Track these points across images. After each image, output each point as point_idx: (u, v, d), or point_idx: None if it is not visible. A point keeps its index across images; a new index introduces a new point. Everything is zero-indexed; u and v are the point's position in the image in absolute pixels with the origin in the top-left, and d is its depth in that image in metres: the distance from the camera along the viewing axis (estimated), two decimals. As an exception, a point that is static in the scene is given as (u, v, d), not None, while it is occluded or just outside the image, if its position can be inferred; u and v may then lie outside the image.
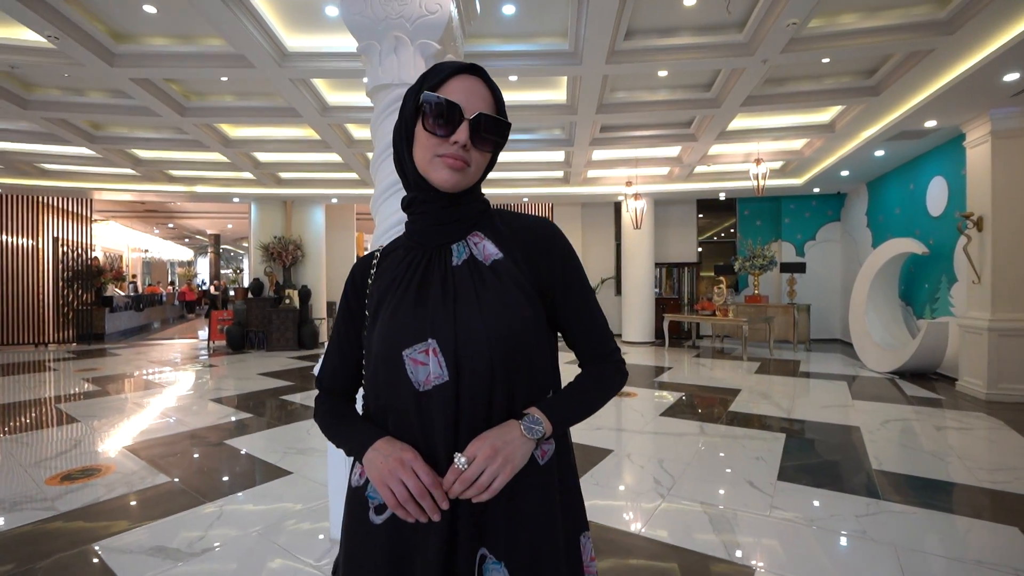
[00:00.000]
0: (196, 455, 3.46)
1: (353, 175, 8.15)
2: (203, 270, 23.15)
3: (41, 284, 10.00)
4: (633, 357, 7.80)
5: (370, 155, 7.15)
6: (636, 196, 8.36)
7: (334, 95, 5.18)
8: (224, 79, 4.55)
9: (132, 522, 2.46)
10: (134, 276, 16.76)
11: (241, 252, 23.76)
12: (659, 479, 2.98)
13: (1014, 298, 4.90)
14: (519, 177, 8.69)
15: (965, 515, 2.54)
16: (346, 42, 4.03)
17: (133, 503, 2.68)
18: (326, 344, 1.02)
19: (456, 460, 0.68)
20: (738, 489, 2.83)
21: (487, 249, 0.81)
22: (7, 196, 9.45)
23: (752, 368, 6.79)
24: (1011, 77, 4.13)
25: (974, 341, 5.13)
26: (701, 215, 10.60)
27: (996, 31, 3.64)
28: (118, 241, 15.23)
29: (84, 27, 3.76)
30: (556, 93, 5.17)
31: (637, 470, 3.13)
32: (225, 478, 3.04)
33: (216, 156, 7.08)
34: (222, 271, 19.70)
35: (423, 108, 0.74)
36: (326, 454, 3.37)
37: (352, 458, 0.77)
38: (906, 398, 5.04)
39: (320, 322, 9.61)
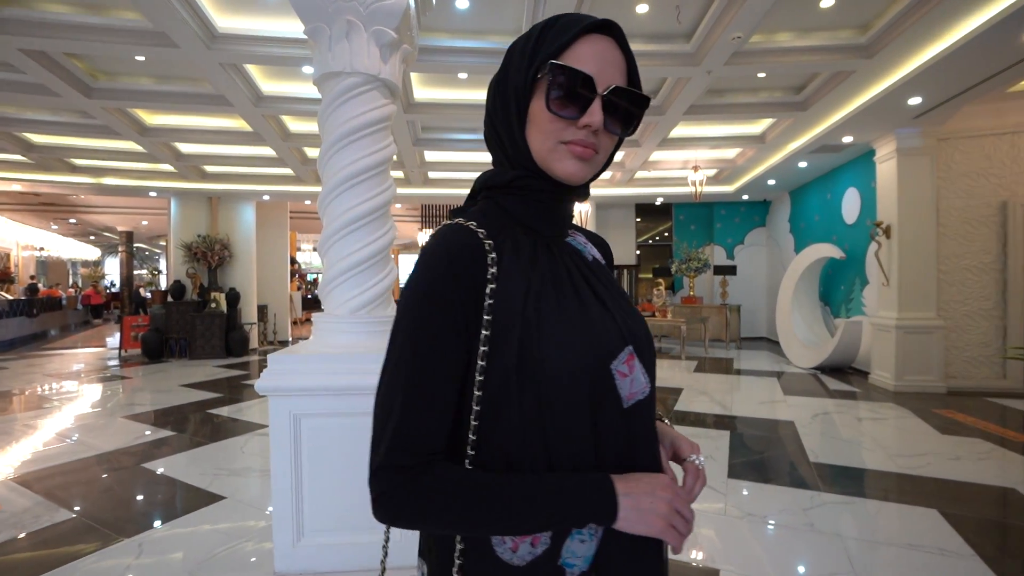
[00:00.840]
0: (105, 483, 3.05)
1: (288, 171, 7.66)
2: (113, 271, 20.99)
3: (-95, 287, 8.58)
4: (579, 358, 7.90)
5: (308, 150, 6.76)
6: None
7: (269, 84, 4.81)
8: (141, 59, 4.09)
9: (25, 572, 2.10)
10: (32, 277, 14.88)
11: (158, 251, 21.79)
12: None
13: (917, 299, 5.42)
14: (464, 177, 8.56)
15: (894, 501, 2.75)
16: (284, 26, 3.74)
17: (24, 549, 2.30)
18: (391, 380, 0.57)
19: (696, 460, 0.64)
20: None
21: (593, 251, 0.72)
22: None
23: (691, 367, 7.08)
24: (915, 101, 4.56)
25: (883, 338, 5.63)
26: (639, 219, 10.97)
27: (905, 58, 4.00)
28: (5, 237, 13.44)
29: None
30: (506, 93, 5.11)
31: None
32: (143, 509, 2.70)
33: (130, 145, 6.38)
34: (136, 272, 17.92)
35: (547, 81, 0.58)
36: (265, 474, 3.10)
37: (518, 534, 0.55)
38: (828, 392, 5.44)
39: (251, 327, 8.96)
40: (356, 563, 1.97)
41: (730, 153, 7.23)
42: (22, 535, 2.41)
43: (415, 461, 0.54)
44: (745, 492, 2.85)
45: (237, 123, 5.76)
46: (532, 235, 0.64)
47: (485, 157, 7.64)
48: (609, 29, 0.60)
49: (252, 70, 4.49)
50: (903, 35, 3.66)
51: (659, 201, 10.01)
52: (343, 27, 2.06)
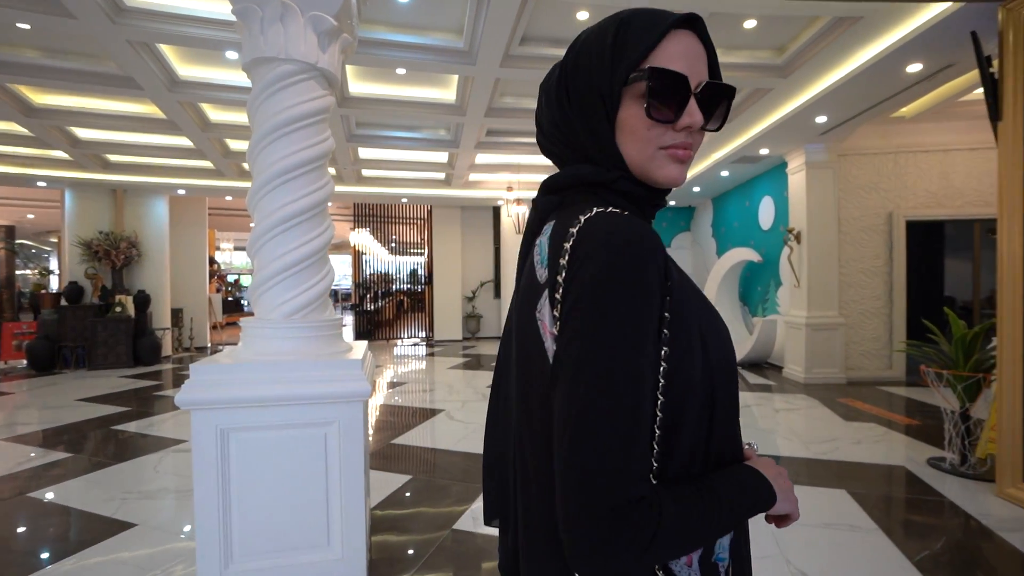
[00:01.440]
0: (-15, 515, 2.64)
1: (207, 164, 7.08)
2: (-13, 271, 18.32)
3: None
4: (518, 359, 7.96)
5: (231, 142, 6.28)
6: (518, 201, 8.56)
7: (187, 67, 4.41)
8: (24, 26, 3.59)
9: None
10: None
11: (47, 249, 19.34)
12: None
13: (824, 299, 5.98)
14: (399, 176, 8.36)
15: (809, 484, 2.99)
16: (205, 5, 3.44)
17: None
18: (609, 393, 0.47)
19: (753, 446, 0.65)
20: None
21: None
22: None
23: (625, 365, 7.35)
24: (821, 119, 5.03)
25: (795, 335, 6.16)
26: (576, 222, 11.28)
27: (815, 80, 4.40)
28: None
29: None
30: (446, 92, 5.04)
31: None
32: (29, 546, 2.36)
33: (11, 127, 5.61)
34: (19, 272, 15.77)
35: (643, 86, 0.54)
36: (184, 495, 2.82)
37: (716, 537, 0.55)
38: (748, 386, 5.86)
39: (163, 333, 8.18)
40: (292, 586, 1.83)
41: (660, 161, 7.58)
42: None
43: (643, 485, 0.47)
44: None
45: (148, 109, 5.23)
46: None
47: (423, 156, 7.52)
48: (692, 23, 0.57)
49: (167, 51, 4.10)
50: (813, 59, 4.02)
51: (594, 205, 10.32)
52: (277, 9, 1.92)
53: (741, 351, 7.08)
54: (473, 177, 8.42)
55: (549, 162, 6.94)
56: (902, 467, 3.30)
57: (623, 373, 0.47)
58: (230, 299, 14.49)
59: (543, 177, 6.13)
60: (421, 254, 12.13)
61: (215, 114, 5.46)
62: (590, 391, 0.47)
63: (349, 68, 4.42)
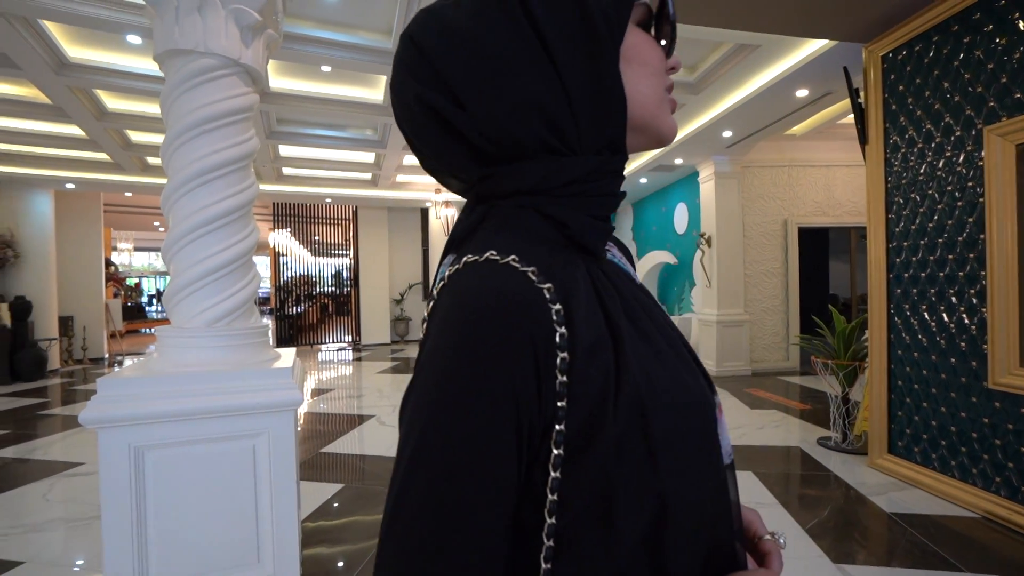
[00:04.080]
0: None
1: (103, 156, 6.38)
2: None
3: None
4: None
5: (132, 134, 5.73)
6: (447, 204, 8.56)
7: (79, 49, 3.97)
8: None
9: None
10: None
11: None
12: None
13: (732, 298, 6.55)
14: (323, 176, 8.04)
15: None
16: (102, -15, 3.13)
17: None
18: (419, 540, 0.33)
19: (778, 537, 0.49)
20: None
21: (627, 265, 0.54)
22: None
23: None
24: (727, 134, 5.52)
25: (707, 331, 6.69)
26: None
27: (721, 98, 4.83)
28: None
29: None
30: (373, 92, 4.94)
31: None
32: None
33: None
34: None
35: (647, 10, 0.46)
36: (79, 525, 2.55)
37: None
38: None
39: (47, 344, 7.25)
40: (218, 608, 1.74)
41: (586, 167, 7.91)
42: None
43: None
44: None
45: (28, 92, 4.64)
46: (581, 255, 0.44)
47: (343, 156, 7.30)
48: None
49: (51, 27, 3.67)
50: (721, 78, 4.41)
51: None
52: (195, 1, 1.82)
53: (661, 347, 7.57)
54: (401, 178, 8.30)
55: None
56: (797, 447, 3.71)
57: (449, 505, 0.34)
58: (130, 304, 13.12)
59: None
60: (346, 255, 11.71)
61: (114, 103, 4.96)
62: (400, 523, 0.35)
63: (271, 63, 4.20)
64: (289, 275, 11.24)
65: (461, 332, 0.36)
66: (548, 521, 0.37)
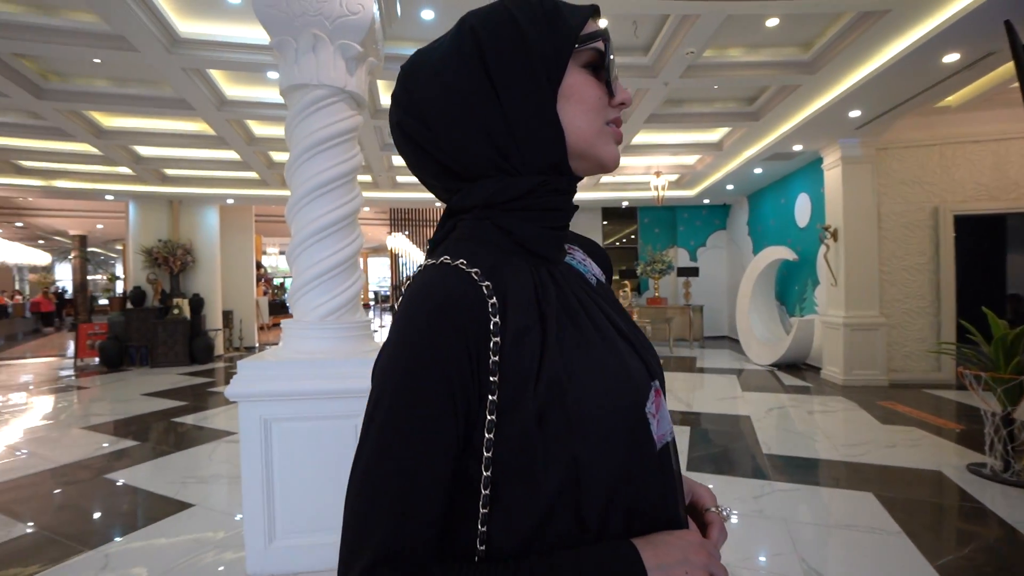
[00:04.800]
0: (64, 495, 2.99)
1: (253, 175, 7.54)
2: (65, 276, 19.99)
3: None
4: (549, 359, 8.08)
5: (273, 154, 6.68)
6: (549, 203, 8.68)
7: (233, 88, 4.76)
8: (97, 61, 4.00)
9: (-14, 583, 2.07)
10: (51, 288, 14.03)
11: (114, 256, 20.87)
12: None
13: (861, 298, 5.79)
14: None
15: (835, 487, 2.97)
16: (248, 32, 3.73)
17: (-15, 560, 2.26)
18: (371, 479, 0.44)
19: (723, 511, 0.58)
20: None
21: (593, 267, 0.62)
22: None
23: (656, 365, 7.32)
24: (855, 113, 4.89)
25: (832, 335, 5.98)
26: (605, 222, 11.24)
27: (845, 75, 4.30)
28: (-55, 243, 12.67)
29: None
30: (474, 101, 5.20)
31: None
32: (106, 519, 2.67)
33: (84, 147, 6.17)
34: (90, 277, 17.14)
35: (592, 53, 0.51)
36: (234, 480, 3.09)
37: None
38: (784, 387, 5.74)
39: (215, 334, 8.74)
40: (329, 563, 2.02)
41: (690, 159, 7.52)
42: (-22, 551, 2.35)
43: (416, 561, 0.43)
44: (701, 483, 3.02)
45: (199, 126, 5.66)
46: (532, 260, 0.52)
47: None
48: (599, 12, 0.55)
49: (215, 74, 4.45)
50: (841, 54, 3.94)
51: (624, 205, 10.28)
52: (309, 40, 2.12)
53: (777, 351, 6.93)
54: (503, 180, 8.59)
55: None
56: (937, 472, 3.20)
57: (392, 463, 0.43)
58: (276, 301, 15.25)
59: None
60: None
61: (259, 129, 5.84)
62: (356, 479, 0.45)
63: (381, 82, 4.65)
64: (406, 274, 12.21)
65: (409, 320, 0.46)
66: (484, 474, 0.45)
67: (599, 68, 0.52)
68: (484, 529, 0.45)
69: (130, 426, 4.53)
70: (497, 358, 0.45)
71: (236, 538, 2.38)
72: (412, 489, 0.43)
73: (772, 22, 3.70)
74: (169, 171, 7.44)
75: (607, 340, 0.52)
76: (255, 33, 3.68)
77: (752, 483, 3.01)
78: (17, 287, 18.74)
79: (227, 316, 9.47)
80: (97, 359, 7.92)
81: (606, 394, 0.47)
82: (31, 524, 2.59)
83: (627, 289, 9.44)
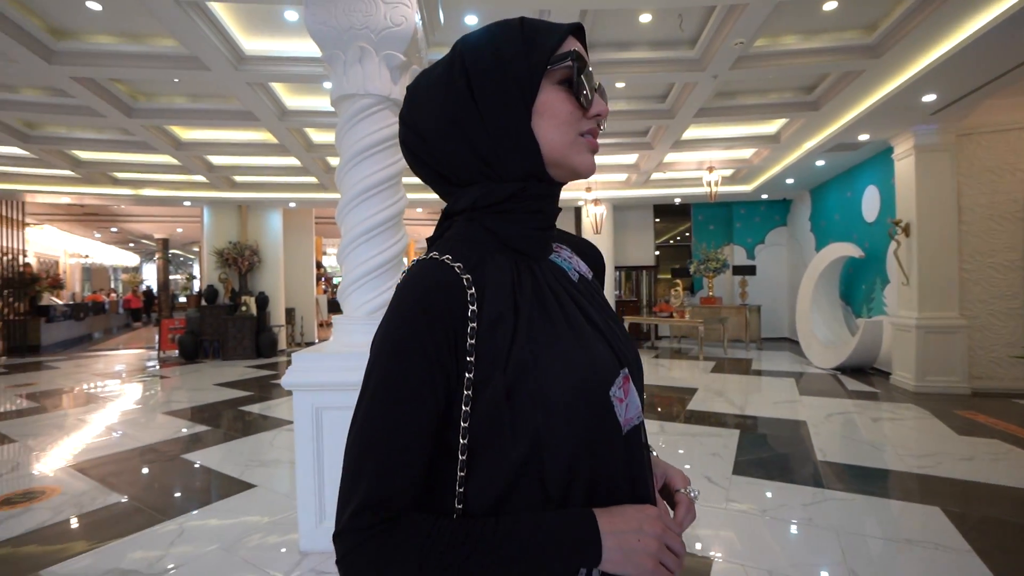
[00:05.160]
0: (149, 471, 3.32)
1: (312, 179, 7.98)
2: (150, 276, 21.96)
3: (-34, 293, 9.26)
4: (596, 359, 8.00)
5: (330, 159, 7.04)
6: (596, 202, 8.57)
7: (293, 99, 5.08)
8: (176, 80, 4.39)
9: (84, 545, 2.35)
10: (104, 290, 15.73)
11: (191, 257, 22.69)
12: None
13: (937, 298, 5.34)
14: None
15: (896, 498, 2.78)
16: (306, 47, 3.97)
17: (83, 525, 2.56)
18: (362, 437, 0.52)
19: (690, 493, 0.63)
20: (696, 484, 2.98)
21: (580, 265, 0.68)
22: (-74, 198, 8.71)
23: (708, 367, 7.09)
24: (929, 98, 4.52)
25: (904, 338, 5.56)
26: (658, 219, 10.97)
27: (916, 56, 3.99)
28: (54, 246, 14.25)
29: (18, 21, 3.55)
30: (518, 101, 5.26)
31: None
32: (183, 494, 2.94)
33: (166, 159, 6.78)
34: (171, 276, 18.75)
35: (566, 71, 0.56)
36: (291, 465, 3.32)
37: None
38: (847, 392, 5.40)
39: (279, 330, 9.33)
40: (372, 545, 2.14)
41: (745, 153, 7.22)
42: (82, 513, 2.68)
43: (387, 516, 0.49)
44: (747, 488, 2.92)
45: (264, 136, 6.07)
46: (514, 257, 0.59)
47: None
48: (581, 32, 0.60)
49: (277, 87, 4.76)
50: (910, 34, 3.66)
51: (677, 201, 10.00)
52: (356, 53, 2.25)
53: (841, 354, 6.52)
54: (551, 179, 8.58)
55: (626, 161, 6.86)
56: (1022, 489, 2.92)
57: (379, 426, 0.51)
58: (334, 299, 16.03)
59: (622, 177, 6.15)
60: None
61: (317, 136, 6.19)
62: (351, 440, 0.53)
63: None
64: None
65: (400, 304, 0.53)
66: (462, 442, 0.52)
67: (579, 80, 0.56)
68: (461, 491, 0.52)
69: (204, 413, 4.94)
70: (473, 341, 0.52)
71: (292, 518, 2.56)
72: (395, 448, 0.50)
73: (830, 6, 3.50)
74: (238, 178, 8.01)
75: (575, 329, 0.57)
76: (312, 47, 3.91)
77: (803, 490, 2.87)
78: (112, 286, 20.79)
79: (289, 313, 10.08)
80: (176, 351, 8.66)
81: (567, 377, 0.53)
82: (123, 495, 2.90)
83: (679, 288, 9.19)
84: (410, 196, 2.43)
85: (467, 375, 0.52)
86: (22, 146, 5.91)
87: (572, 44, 0.57)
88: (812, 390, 5.53)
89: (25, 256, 10.56)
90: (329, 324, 13.81)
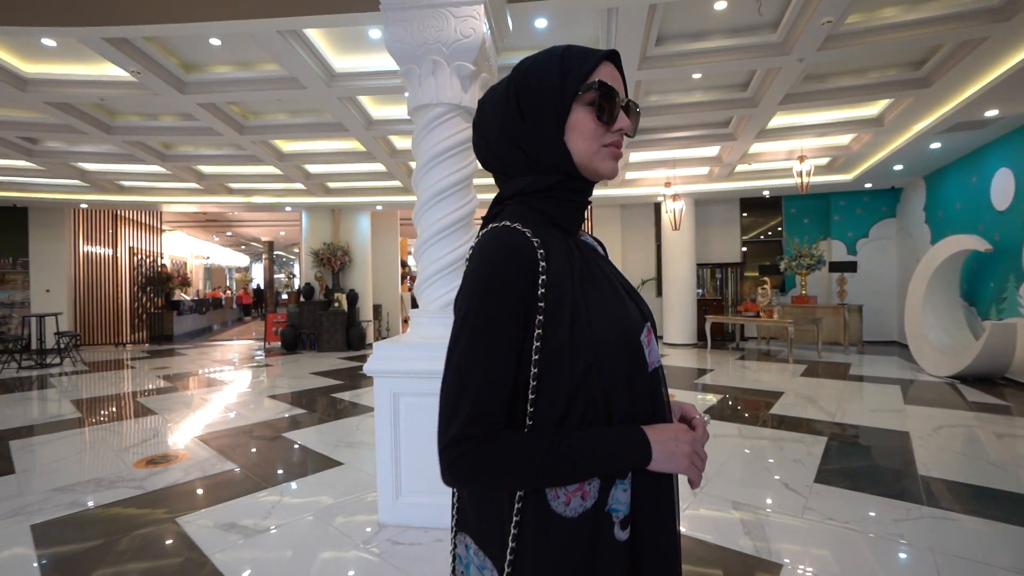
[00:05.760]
0: (256, 446, 3.78)
1: (396, 183, 8.50)
2: (258, 275, 24.52)
3: (119, 290, 10.96)
4: (673, 359, 7.74)
5: (412, 163, 7.46)
6: (674, 197, 8.28)
7: (377, 109, 5.47)
8: (278, 99, 4.92)
9: (206, 501, 2.76)
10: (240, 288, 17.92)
11: (292, 258, 24.98)
12: (692, 478, 3.02)
13: (1087, 297, 4.57)
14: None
15: (1010, 523, 2.45)
16: (389, 61, 4.27)
17: (206, 486, 3.00)
18: (462, 366, 0.65)
19: (704, 418, 0.79)
20: (771, 491, 2.84)
21: (597, 245, 0.84)
22: (92, 211, 10.42)
23: (798, 371, 6.60)
24: (1079, 61, 3.89)
25: (1043, 343, 4.82)
26: (745, 214, 10.35)
27: (1057, 16, 3.45)
28: (183, 249, 16.40)
29: (160, 61, 4.18)
30: (590, 99, 5.25)
31: (670, 469, 3.19)
32: (282, 468, 3.33)
33: (270, 169, 7.58)
34: (275, 276, 20.81)
35: (592, 95, 0.69)
36: (373, 448, 3.61)
37: (566, 485, 0.64)
38: (967, 404, 4.80)
39: (367, 324, 10.04)
40: (443, 522, 2.30)
41: (843, 139, 6.62)
42: (204, 476, 3.13)
43: (485, 431, 0.62)
44: (828, 497, 2.72)
45: (353, 144, 6.58)
46: (559, 232, 0.73)
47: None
48: (616, 56, 0.73)
49: (363, 99, 5.16)
50: (1045, -6, 3.19)
51: (766, 194, 9.38)
52: (430, 66, 2.42)
53: (961, 361, 5.78)
54: (630, 175, 8.41)
55: (707, 154, 6.61)
56: None
57: (476, 345, 0.63)
58: (417, 297, 16.84)
59: (700, 171, 5.98)
60: None
61: (400, 143, 6.60)
62: (449, 357, 0.66)
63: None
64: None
65: (486, 259, 0.66)
66: (533, 371, 0.65)
67: (603, 102, 0.70)
68: (531, 409, 0.65)
69: (302, 398, 5.49)
70: (544, 290, 0.65)
71: (373, 493, 2.81)
72: (491, 373, 0.63)
73: (938, -29, 3.15)
74: (331, 184, 8.74)
75: (611, 288, 0.73)
76: (392, 61, 4.21)
77: (894, 504, 2.63)
78: (227, 283, 23.48)
79: (377, 309, 10.79)
80: (279, 343, 9.63)
81: (609, 324, 0.68)
82: (236, 465, 3.34)
83: (766, 286, 8.61)
84: (481, 197, 2.57)
85: (538, 317, 0.65)
86: (161, 164, 6.91)
87: (605, 69, 0.71)
88: (921, 399, 4.97)
89: (162, 258, 12.29)
90: (412, 320, 14.62)
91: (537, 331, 0.64)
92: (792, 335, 7.51)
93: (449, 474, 0.63)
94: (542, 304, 0.65)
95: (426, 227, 2.56)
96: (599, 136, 0.71)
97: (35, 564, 2.16)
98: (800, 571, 2.05)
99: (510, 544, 0.65)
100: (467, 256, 0.71)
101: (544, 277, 0.65)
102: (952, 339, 6.52)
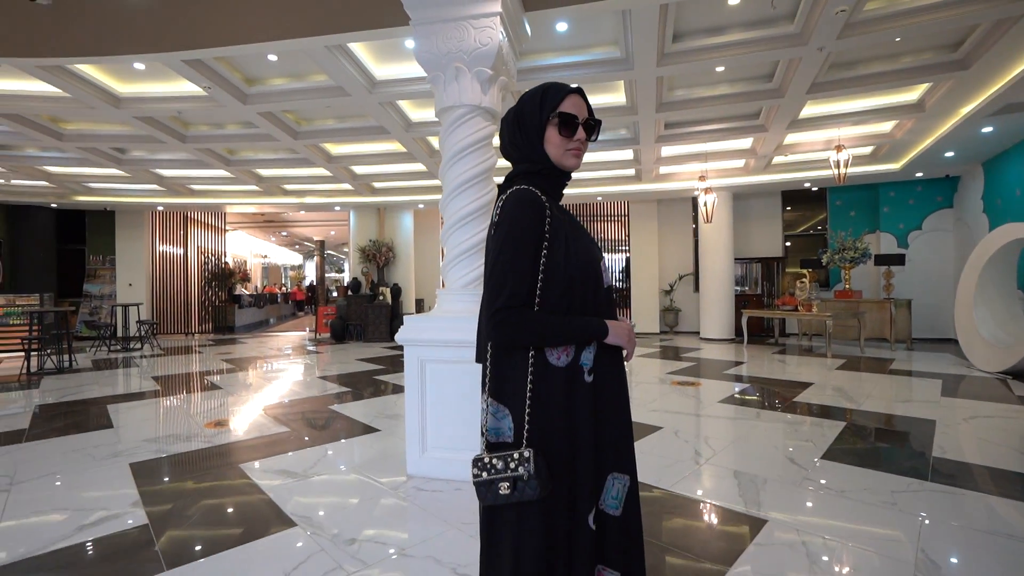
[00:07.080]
0: (306, 415, 4.24)
1: (436, 182, 8.94)
2: (310, 272, 25.92)
3: (188, 285, 12.05)
4: (708, 352, 7.74)
5: (450, 163, 7.86)
6: (707, 190, 8.24)
7: (416, 112, 5.87)
8: (327, 106, 5.40)
9: (262, 453, 3.21)
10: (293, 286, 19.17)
11: (342, 256, 26.23)
12: (700, 451, 3.19)
13: None
14: (592, 177, 8.93)
15: (1012, 498, 2.47)
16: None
17: (261, 443, 3.45)
18: (505, 267, 1.10)
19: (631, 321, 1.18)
20: (776, 464, 2.95)
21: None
22: (166, 213, 11.52)
23: (835, 365, 6.49)
24: None
25: (1100, 336, 4.58)
26: (788, 207, 10.11)
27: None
28: (243, 248, 17.66)
29: (227, 76, 4.74)
30: (615, 96, 5.44)
31: (680, 444, 3.36)
32: (328, 432, 3.75)
33: (321, 171, 8.19)
34: (327, 273, 21.98)
35: (558, 119, 1.13)
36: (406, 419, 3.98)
37: (555, 347, 1.08)
38: (1015, 398, 4.63)
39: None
40: (463, 475, 2.61)
41: (884, 127, 6.45)
42: (260, 436, 3.60)
43: (523, 304, 1.06)
44: (832, 471, 2.81)
45: (395, 146, 7.04)
46: (549, 199, 1.14)
47: (605, 156, 7.95)
48: (580, 92, 1.17)
49: (403, 104, 5.57)
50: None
51: (807, 186, 9.16)
52: (453, 72, 2.73)
53: (1014, 355, 5.53)
54: (664, 170, 8.45)
55: (740, 146, 6.69)
56: None
57: (511, 255, 1.07)
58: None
59: (735, 164, 6.24)
60: (625, 250, 11.97)
61: (437, 143, 6.98)
62: (494, 262, 1.09)
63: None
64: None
65: (516, 205, 1.11)
66: (540, 277, 1.10)
67: (564, 125, 1.14)
68: (539, 300, 1.09)
69: (348, 379, 5.98)
70: (548, 228, 1.10)
71: (404, 453, 3.15)
72: (521, 270, 1.07)
73: (956, -44, 3.15)
74: (376, 184, 9.29)
75: (585, 234, 1.19)
76: (428, 66, 4.57)
77: (895, 479, 2.69)
78: (282, 280, 24.96)
79: (419, 303, 11.31)
80: (328, 334, 10.30)
81: (583, 255, 1.12)
82: (289, 428, 3.80)
83: (805, 281, 8.40)
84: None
85: (545, 244, 1.09)
86: (226, 168, 7.63)
87: (570, 100, 1.15)
88: (962, 392, 4.84)
89: (225, 256, 13.36)
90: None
91: (544, 252, 1.08)
92: (830, 329, 7.35)
93: (497, 331, 1.06)
94: (548, 237, 1.09)
95: (451, 214, 2.87)
96: (564, 144, 1.15)
97: (135, 490, 2.64)
98: (782, 527, 2.20)
99: (528, 384, 1.07)
100: (497, 207, 1.15)
101: (549, 220, 1.09)
102: (1007, 334, 6.21)
